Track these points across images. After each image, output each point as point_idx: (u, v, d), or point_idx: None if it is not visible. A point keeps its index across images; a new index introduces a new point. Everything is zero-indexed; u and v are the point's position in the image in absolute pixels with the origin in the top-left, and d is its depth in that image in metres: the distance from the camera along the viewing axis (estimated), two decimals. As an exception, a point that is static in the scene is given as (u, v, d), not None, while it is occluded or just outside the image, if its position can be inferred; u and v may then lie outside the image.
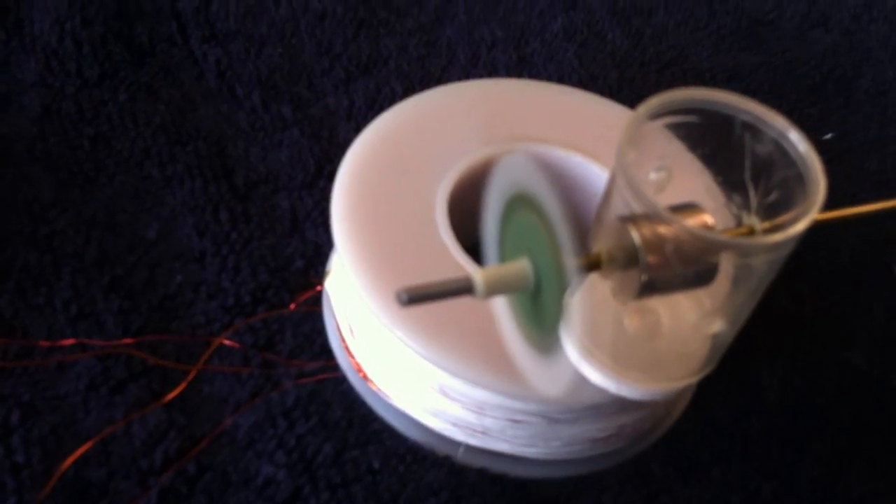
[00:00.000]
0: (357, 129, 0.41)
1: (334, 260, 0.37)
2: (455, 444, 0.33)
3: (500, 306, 0.30)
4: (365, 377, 0.34)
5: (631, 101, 0.33)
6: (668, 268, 0.26)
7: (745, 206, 0.28)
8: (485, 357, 0.30)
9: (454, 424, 0.33)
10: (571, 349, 0.28)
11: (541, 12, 0.56)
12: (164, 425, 0.34)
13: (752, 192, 0.28)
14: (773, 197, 0.28)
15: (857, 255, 0.44)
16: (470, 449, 0.33)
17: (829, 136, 0.50)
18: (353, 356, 0.35)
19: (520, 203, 0.28)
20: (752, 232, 0.28)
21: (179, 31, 0.50)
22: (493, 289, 0.26)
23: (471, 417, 0.32)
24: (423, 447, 0.34)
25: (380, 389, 0.34)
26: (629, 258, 0.26)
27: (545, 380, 0.28)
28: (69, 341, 0.35)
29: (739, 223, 0.29)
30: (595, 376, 0.28)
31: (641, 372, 0.28)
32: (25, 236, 0.39)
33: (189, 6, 0.51)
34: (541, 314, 0.27)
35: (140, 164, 0.43)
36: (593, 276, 0.27)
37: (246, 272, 0.39)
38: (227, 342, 0.37)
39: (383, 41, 0.52)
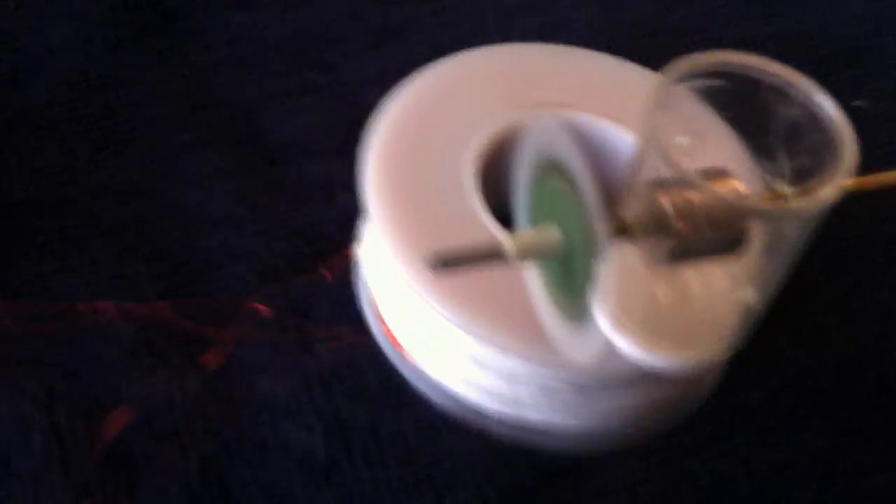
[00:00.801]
0: (386, 94, 0.41)
1: (364, 227, 0.37)
2: (487, 414, 0.34)
3: (531, 274, 0.30)
4: (397, 345, 0.35)
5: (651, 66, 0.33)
6: (698, 234, 0.26)
7: (775, 171, 0.28)
8: (514, 325, 0.30)
9: (486, 394, 0.33)
10: (601, 317, 0.28)
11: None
12: (202, 392, 0.35)
13: (781, 158, 0.28)
14: (802, 162, 0.27)
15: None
16: (502, 419, 0.34)
17: (859, 103, 0.49)
18: (384, 323, 0.35)
19: (550, 169, 0.28)
20: (782, 198, 0.27)
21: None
22: (524, 254, 0.27)
23: (503, 386, 0.32)
24: (457, 418, 0.34)
25: (412, 357, 0.34)
26: (659, 224, 0.26)
27: (576, 348, 0.28)
28: (108, 304, 0.36)
29: (770, 189, 0.28)
30: (625, 345, 0.28)
31: (670, 341, 0.28)
32: (63, 202, 0.39)
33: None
34: (571, 281, 0.28)
35: (174, 130, 0.43)
36: (624, 244, 0.27)
37: (280, 239, 0.40)
38: (261, 308, 0.37)
39: (412, 6, 0.52)
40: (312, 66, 0.47)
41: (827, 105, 0.26)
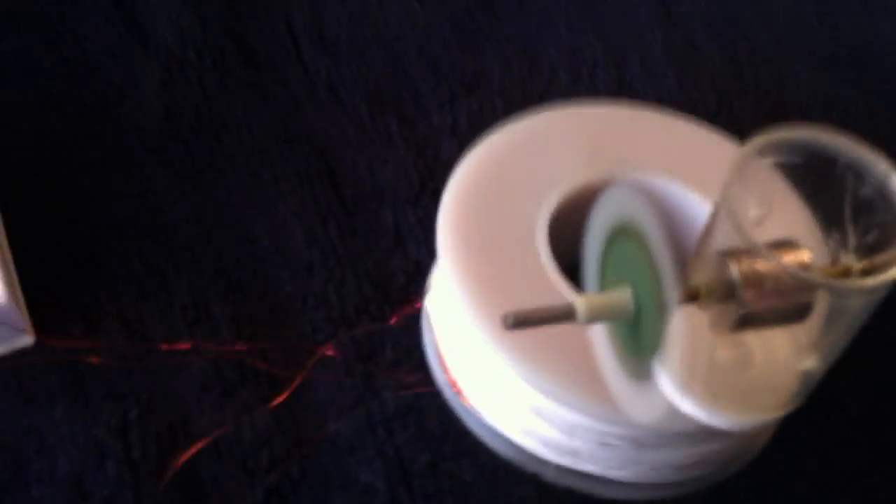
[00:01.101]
0: (460, 147, 0.43)
1: (435, 277, 0.38)
2: (544, 462, 0.34)
3: (598, 333, 0.31)
4: (459, 393, 0.36)
5: (729, 126, 0.33)
6: (765, 303, 0.27)
7: (843, 244, 0.29)
8: (579, 381, 0.31)
9: (545, 444, 0.34)
10: (666, 378, 0.28)
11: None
12: (270, 428, 0.36)
13: (850, 232, 0.29)
14: (871, 237, 0.28)
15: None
16: (559, 468, 0.34)
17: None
18: (448, 372, 0.36)
19: (622, 232, 0.29)
20: (848, 271, 0.28)
21: (291, 40, 0.52)
22: (595, 315, 0.27)
23: (562, 438, 0.33)
24: (514, 464, 0.35)
25: (473, 406, 0.35)
26: (727, 291, 0.27)
27: (639, 406, 0.28)
28: (186, 345, 0.38)
29: (837, 261, 0.29)
30: (687, 405, 0.29)
31: (732, 402, 0.29)
32: (146, 235, 0.41)
33: (300, 18, 0.53)
34: (638, 342, 0.28)
35: (254, 171, 0.45)
36: (691, 308, 0.28)
37: (350, 284, 0.41)
38: (330, 352, 0.38)
39: (487, 58, 0.53)
40: (391, 116, 0.49)
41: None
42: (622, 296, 0.28)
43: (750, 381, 0.30)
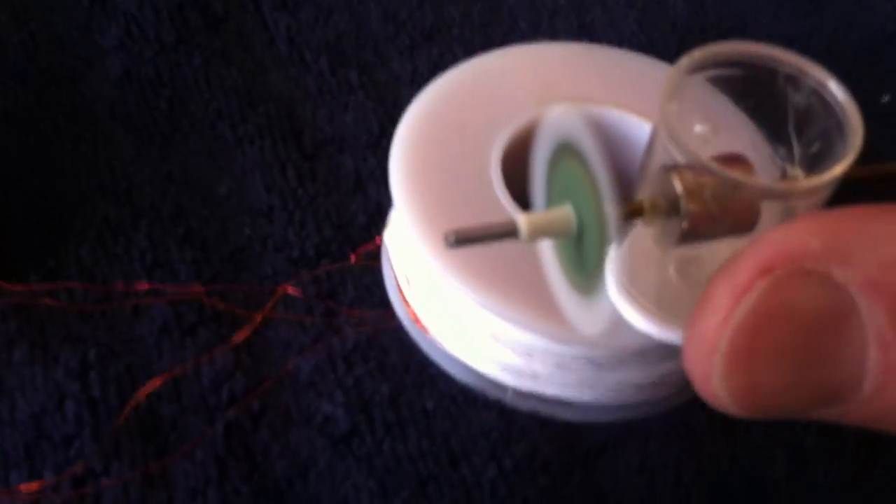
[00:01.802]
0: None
1: (392, 214, 0.38)
2: (505, 387, 0.35)
3: (546, 252, 0.31)
4: (419, 324, 0.36)
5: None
6: (709, 215, 0.27)
7: (790, 158, 0.29)
8: (534, 303, 0.31)
9: (504, 369, 0.34)
10: (615, 294, 0.29)
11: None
12: (230, 366, 0.36)
13: (795, 144, 0.29)
14: (815, 148, 0.28)
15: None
16: (519, 392, 0.34)
17: (886, 98, 0.50)
18: (409, 305, 0.36)
19: (565, 153, 0.29)
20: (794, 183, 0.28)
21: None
22: (536, 233, 0.28)
23: (520, 362, 0.33)
24: (475, 391, 0.35)
25: (434, 336, 0.36)
26: (671, 206, 0.27)
27: (586, 320, 0.29)
28: (143, 286, 0.38)
29: (784, 175, 0.29)
30: (638, 321, 0.29)
31: (684, 318, 0.29)
32: (106, 191, 0.41)
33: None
34: (583, 259, 0.29)
35: (213, 125, 0.45)
36: (637, 225, 0.28)
37: (311, 227, 0.41)
38: (291, 291, 0.38)
39: (447, 9, 0.53)
40: (350, 66, 0.49)
41: (837, 90, 0.27)
42: (563, 213, 0.28)
43: (700, 296, 0.30)
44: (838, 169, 0.26)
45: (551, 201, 0.30)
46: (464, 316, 0.33)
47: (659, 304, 0.29)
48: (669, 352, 0.33)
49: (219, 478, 0.33)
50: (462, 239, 0.27)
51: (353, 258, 0.40)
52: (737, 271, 0.21)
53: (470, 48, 0.52)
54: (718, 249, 0.30)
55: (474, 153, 0.36)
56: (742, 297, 0.21)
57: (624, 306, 0.29)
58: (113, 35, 0.48)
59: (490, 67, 0.39)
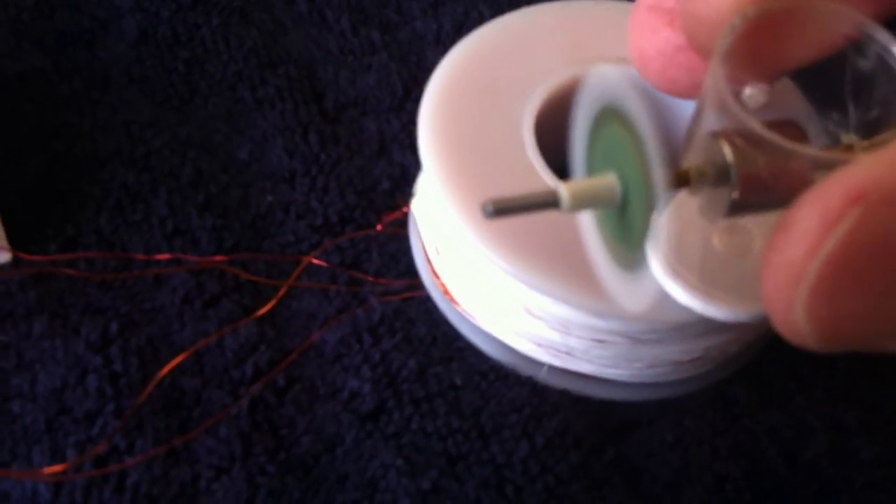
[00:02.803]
0: (444, 54, 0.41)
1: (420, 181, 0.37)
2: (538, 364, 0.33)
3: (586, 223, 0.30)
4: (449, 296, 0.35)
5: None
6: (761, 185, 0.26)
7: (844, 123, 0.28)
8: (571, 275, 0.30)
9: (538, 344, 0.33)
10: (658, 267, 0.27)
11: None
12: (254, 338, 0.35)
13: (851, 109, 0.27)
14: (873, 114, 0.27)
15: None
16: (553, 369, 0.33)
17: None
18: (437, 276, 0.35)
19: (609, 117, 0.27)
20: (850, 149, 0.27)
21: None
22: (579, 202, 0.26)
23: (555, 337, 0.32)
24: (506, 366, 0.34)
25: (464, 309, 0.34)
26: (720, 175, 0.26)
27: (629, 296, 0.27)
28: (165, 256, 0.37)
29: (837, 142, 0.28)
30: (681, 295, 0.28)
31: (729, 293, 0.28)
32: (124, 156, 0.40)
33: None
34: (627, 230, 0.27)
35: (233, 87, 0.43)
36: (682, 194, 0.27)
37: (334, 193, 0.40)
38: (315, 261, 0.37)
39: (473, -35, 0.51)
40: (372, 25, 0.47)
41: None
42: (607, 182, 0.27)
43: (747, 270, 0.29)
44: None
45: (593, 168, 0.29)
46: (497, 288, 0.32)
47: (702, 276, 0.28)
48: (709, 327, 0.32)
49: (244, 455, 0.33)
50: (500, 209, 0.26)
51: (379, 227, 0.38)
52: (827, 198, 0.20)
53: (496, 6, 0.50)
54: (768, 221, 0.29)
55: (506, 116, 0.34)
56: (833, 225, 0.20)
57: (666, 280, 0.28)
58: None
59: (517, 27, 0.37)
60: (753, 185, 0.26)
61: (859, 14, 0.26)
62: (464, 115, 0.34)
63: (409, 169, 0.41)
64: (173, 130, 0.41)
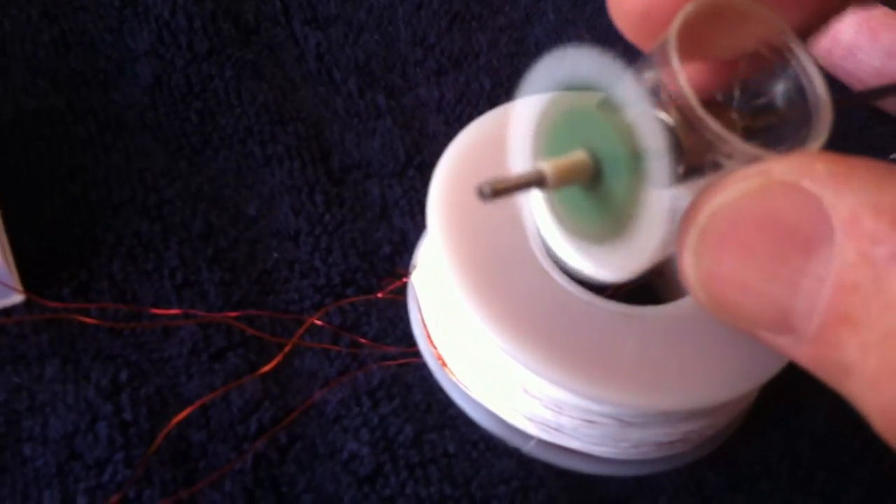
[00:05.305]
0: (446, 122, 0.43)
1: (421, 253, 0.39)
2: (527, 436, 0.36)
3: (538, 217, 0.31)
4: (445, 366, 0.37)
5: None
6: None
7: (728, 98, 0.28)
8: (570, 360, 0.32)
9: (528, 419, 0.35)
10: (657, 224, 0.26)
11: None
12: (259, 395, 0.37)
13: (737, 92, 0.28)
14: (762, 101, 0.27)
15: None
16: (541, 443, 0.35)
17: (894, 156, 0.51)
18: (434, 346, 0.37)
19: (564, 100, 0.28)
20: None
21: (283, 12, 0.52)
22: (562, 177, 0.27)
23: (548, 415, 0.34)
24: (496, 437, 0.36)
25: (458, 379, 0.36)
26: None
27: (622, 261, 0.27)
28: (175, 311, 0.38)
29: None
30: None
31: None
32: (137, 204, 0.42)
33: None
34: (606, 201, 0.27)
35: (243, 140, 0.45)
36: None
37: (337, 254, 0.42)
38: (318, 322, 0.39)
39: (475, 35, 0.54)
40: (378, 89, 0.49)
41: (819, 84, 0.25)
42: (581, 156, 0.27)
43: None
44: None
45: (556, 151, 0.28)
46: (495, 366, 0.34)
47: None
48: (693, 412, 0.34)
49: (246, 509, 0.34)
50: (497, 191, 0.27)
51: (380, 294, 0.40)
52: (748, 171, 0.22)
53: (496, 78, 0.53)
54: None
55: (512, 203, 0.36)
56: (735, 183, 0.22)
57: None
58: (145, 39, 0.48)
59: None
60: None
61: (778, 18, 0.27)
62: (471, 195, 0.36)
63: (408, 234, 0.43)
64: (185, 181, 0.43)
